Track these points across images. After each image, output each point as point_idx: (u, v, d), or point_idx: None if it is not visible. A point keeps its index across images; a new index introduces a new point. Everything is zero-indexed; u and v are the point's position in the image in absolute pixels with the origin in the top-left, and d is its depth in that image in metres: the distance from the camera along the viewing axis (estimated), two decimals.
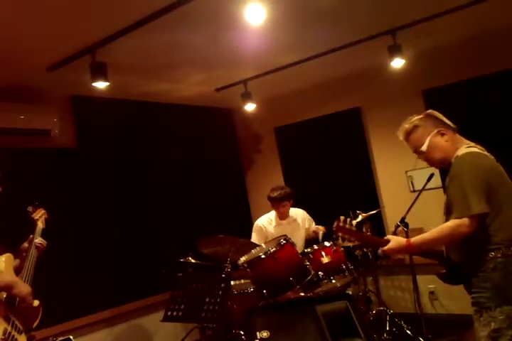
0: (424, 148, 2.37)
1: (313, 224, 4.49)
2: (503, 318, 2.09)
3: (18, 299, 2.25)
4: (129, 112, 4.79)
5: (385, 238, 2.36)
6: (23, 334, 2.25)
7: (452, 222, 2.16)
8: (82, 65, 3.41)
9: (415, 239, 2.29)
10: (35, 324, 2.38)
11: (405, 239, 2.31)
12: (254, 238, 4.36)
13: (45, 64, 3.57)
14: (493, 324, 2.11)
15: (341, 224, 2.41)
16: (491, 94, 4.27)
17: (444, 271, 2.39)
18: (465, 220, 2.13)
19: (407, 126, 2.43)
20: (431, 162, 2.42)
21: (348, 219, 2.44)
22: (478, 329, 2.18)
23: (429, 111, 2.47)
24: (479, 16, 3.76)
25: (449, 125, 2.41)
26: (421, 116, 2.44)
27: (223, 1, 2.89)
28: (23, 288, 2.28)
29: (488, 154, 2.33)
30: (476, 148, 2.32)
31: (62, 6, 2.69)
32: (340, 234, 2.43)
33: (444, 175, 4.39)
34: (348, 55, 4.21)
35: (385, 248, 2.33)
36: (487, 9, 3.55)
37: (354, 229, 2.43)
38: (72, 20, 2.89)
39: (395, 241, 2.32)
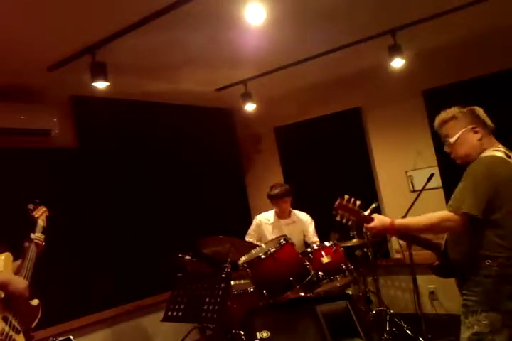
0: (452, 140, 2.32)
1: (312, 226, 4.44)
2: (486, 323, 2.10)
3: (15, 295, 2.22)
4: (129, 112, 4.79)
5: (371, 216, 2.32)
6: (21, 334, 2.22)
7: (443, 213, 2.15)
8: (82, 64, 3.41)
9: (399, 221, 2.28)
10: (34, 323, 2.35)
11: (389, 220, 2.28)
12: (251, 230, 4.48)
13: (45, 64, 3.57)
14: (476, 327, 2.12)
15: (344, 202, 2.35)
16: (491, 94, 4.26)
17: (437, 262, 2.38)
18: (455, 216, 2.11)
19: (444, 115, 2.37)
20: (454, 155, 2.38)
21: (353, 199, 2.36)
22: (462, 331, 2.19)
23: (474, 107, 2.38)
24: (479, 16, 3.75)
25: (486, 125, 2.34)
26: (462, 109, 2.37)
27: (223, 1, 2.89)
28: (19, 285, 2.25)
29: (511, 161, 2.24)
30: (501, 153, 2.25)
31: (62, 6, 2.68)
32: (339, 212, 2.36)
33: (445, 175, 4.44)
34: (348, 55, 4.21)
35: (369, 225, 2.30)
36: (487, 9, 3.55)
37: (357, 209, 2.35)
38: (72, 20, 2.89)
39: (378, 220, 2.30)
